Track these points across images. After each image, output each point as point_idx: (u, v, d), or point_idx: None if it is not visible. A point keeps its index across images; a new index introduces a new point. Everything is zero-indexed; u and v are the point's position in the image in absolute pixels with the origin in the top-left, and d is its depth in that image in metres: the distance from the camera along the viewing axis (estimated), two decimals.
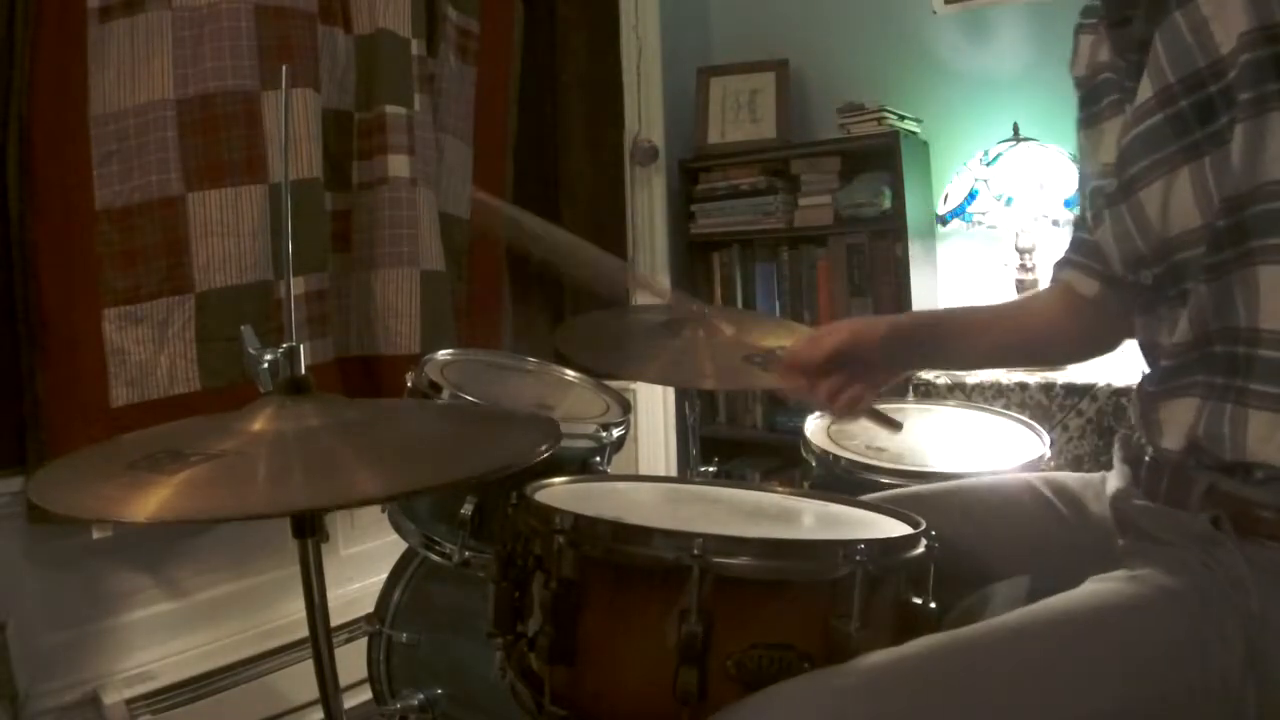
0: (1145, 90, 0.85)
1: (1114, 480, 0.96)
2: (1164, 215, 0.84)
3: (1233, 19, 0.77)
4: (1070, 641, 0.74)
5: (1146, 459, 0.88)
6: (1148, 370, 0.91)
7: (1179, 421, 0.83)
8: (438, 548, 1.29)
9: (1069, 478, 1.05)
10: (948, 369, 1.24)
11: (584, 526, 0.78)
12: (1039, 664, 0.73)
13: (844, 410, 1.03)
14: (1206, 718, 0.73)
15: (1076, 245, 1.06)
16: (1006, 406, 1.84)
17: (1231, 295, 0.78)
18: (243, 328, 1.06)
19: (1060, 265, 1.08)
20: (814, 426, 1.49)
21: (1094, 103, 0.98)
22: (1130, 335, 1.00)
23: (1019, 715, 0.71)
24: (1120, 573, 0.80)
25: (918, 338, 1.05)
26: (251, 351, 1.02)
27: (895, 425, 1.13)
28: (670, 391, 2.63)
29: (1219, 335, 0.80)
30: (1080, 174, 1.04)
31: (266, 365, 1.02)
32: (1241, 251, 0.77)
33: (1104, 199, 0.91)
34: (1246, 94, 0.76)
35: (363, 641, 1.51)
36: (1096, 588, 0.79)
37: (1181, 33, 0.81)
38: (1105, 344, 1.10)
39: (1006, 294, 2.28)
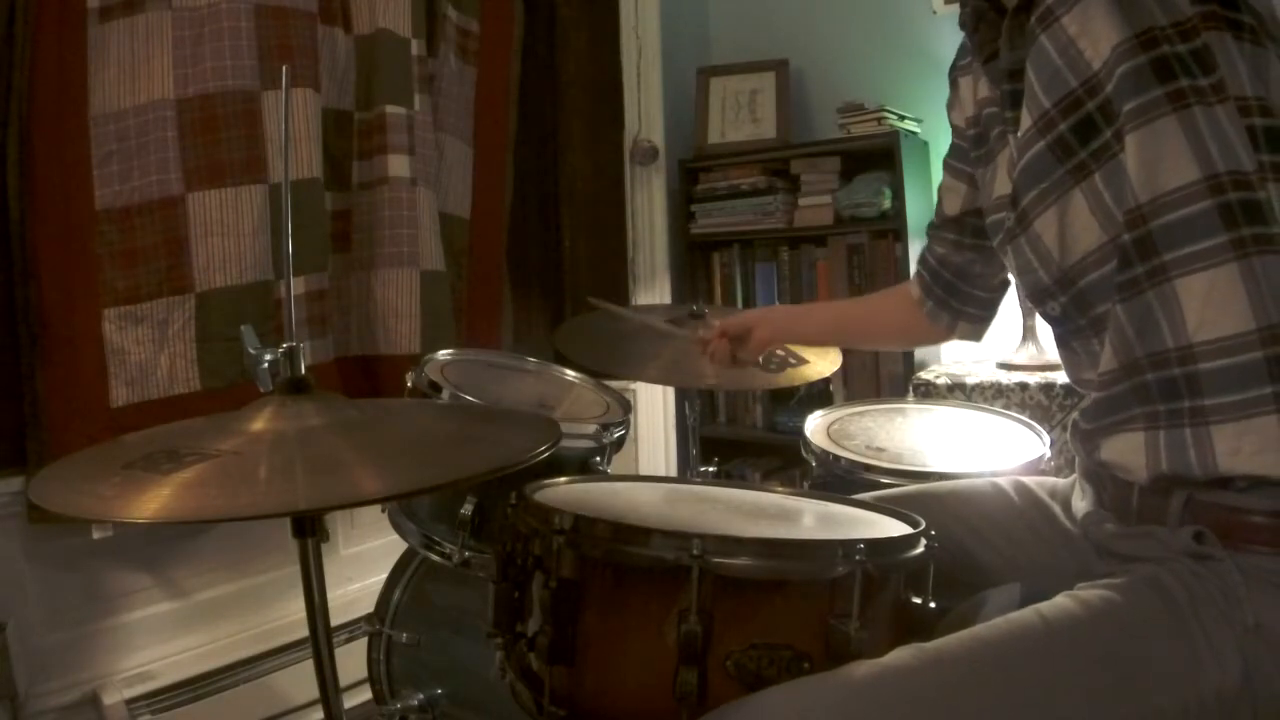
0: (1025, 121, 0.85)
1: (1079, 500, 0.94)
2: (1061, 241, 0.84)
3: (1101, 32, 0.77)
4: (1058, 656, 0.72)
5: (1108, 478, 0.86)
6: (1081, 405, 0.90)
7: (1132, 460, 0.81)
8: (438, 548, 1.29)
9: (1059, 480, 1.05)
10: (805, 343, 1.60)
11: (583, 527, 0.78)
12: (1028, 680, 0.71)
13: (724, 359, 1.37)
14: None
15: (921, 257, 1.21)
16: (1006, 406, 1.84)
17: (1152, 316, 0.77)
18: (243, 328, 1.06)
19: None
20: (814, 426, 1.49)
21: (985, 140, 0.99)
22: (940, 339, 1.24)
23: None
24: (1107, 580, 0.78)
25: (774, 317, 1.41)
26: (251, 351, 1.02)
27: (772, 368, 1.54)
28: (670, 391, 2.64)
29: (1149, 363, 0.78)
30: (939, 202, 1.15)
31: (266, 365, 1.02)
32: (1154, 267, 0.76)
33: (1005, 234, 0.91)
34: (1130, 104, 0.75)
35: (363, 641, 1.51)
36: (1086, 597, 0.76)
37: (1050, 56, 0.81)
38: (917, 338, 1.35)
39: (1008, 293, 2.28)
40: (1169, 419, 0.77)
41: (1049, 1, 0.81)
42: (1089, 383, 0.87)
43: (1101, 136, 0.78)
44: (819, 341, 1.58)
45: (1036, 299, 0.91)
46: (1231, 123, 0.73)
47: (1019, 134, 0.86)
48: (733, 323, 1.37)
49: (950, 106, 1.09)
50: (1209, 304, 0.74)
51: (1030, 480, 1.05)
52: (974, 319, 1.18)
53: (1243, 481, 0.74)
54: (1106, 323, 0.81)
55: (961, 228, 1.12)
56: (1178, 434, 0.77)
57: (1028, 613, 0.75)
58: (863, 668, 0.70)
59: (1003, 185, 0.93)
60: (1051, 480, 1.05)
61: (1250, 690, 0.71)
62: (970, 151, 1.04)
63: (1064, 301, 0.87)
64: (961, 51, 1.05)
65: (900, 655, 0.71)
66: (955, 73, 1.06)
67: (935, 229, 1.17)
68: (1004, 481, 1.05)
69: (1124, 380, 0.80)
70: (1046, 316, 0.93)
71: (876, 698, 0.69)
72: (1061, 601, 0.76)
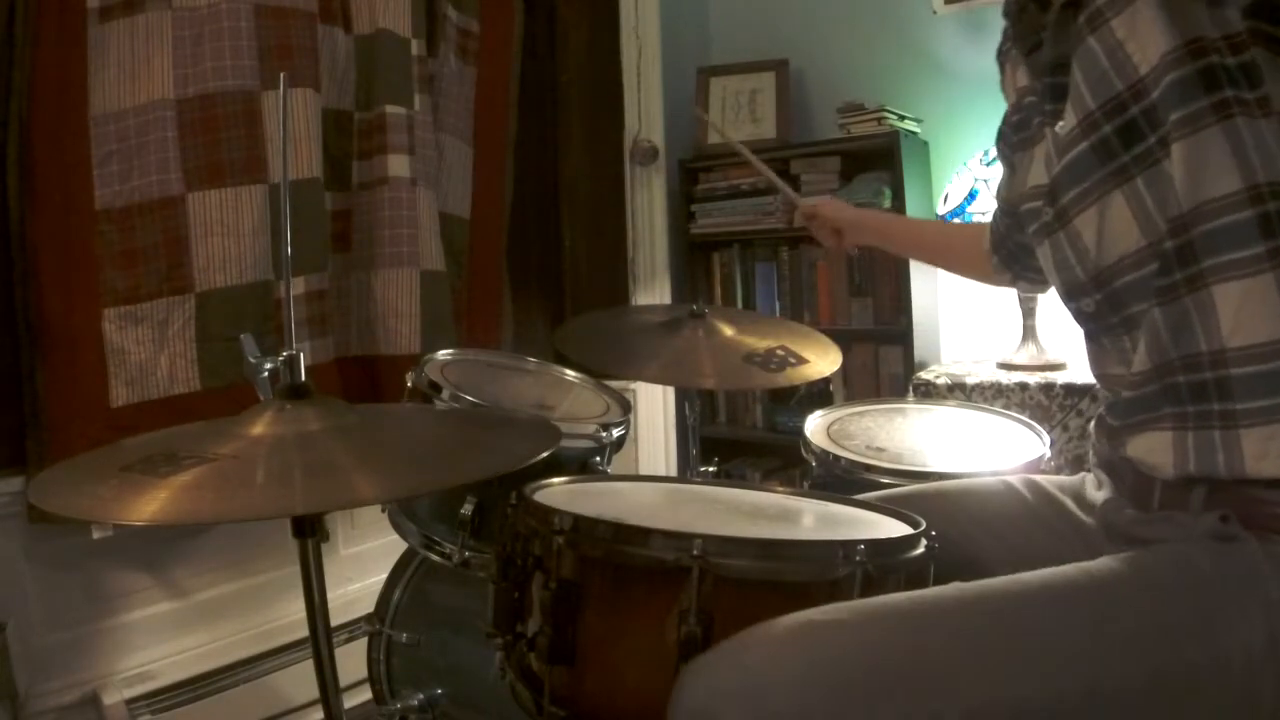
0: (1070, 119, 0.86)
1: (1095, 490, 0.95)
2: (1100, 241, 0.85)
3: (1150, 39, 0.77)
4: (1075, 607, 0.73)
5: (1129, 471, 0.86)
6: (1106, 402, 0.91)
7: (1159, 458, 0.81)
8: (438, 548, 1.29)
9: (1066, 478, 1.05)
10: (888, 249, 1.88)
11: (583, 527, 0.79)
12: (1036, 627, 0.72)
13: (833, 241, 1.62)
14: (1215, 696, 0.71)
15: (994, 216, 1.25)
16: (1006, 406, 1.84)
17: (1188, 320, 0.78)
18: (242, 336, 1.06)
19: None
20: (814, 426, 1.49)
21: (1026, 126, 1.00)
22: (1003, 285, 1.30)
23: (1008, 675, 0.69)
24: (1128, 551, 0.79)
25: (869, 224, 1.63)
26: (251, 360, 1.02)
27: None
28: (670, 391, 2.64)
29: (1181, 365, 0.79)
30: (1002, 180, 1.16)
31: (266, 374, 1.01)
32: (1192, 274, 0.77)
33: (1041, 227, 0.92)
34: (1177, 113, 0.75)
35: (363, 641, 1.51)
36: (1106, 560, 0.78)
37: (1097, 58, 0.81)
38: (983, 277, 1.35)
39: (1007, 294, 2.28)
40: (1198, 420, 0.78)
41: (1099, 3, 0.81)
42: (1114, 378, 0.88)
43: (1145, 141, 0.79)
44: (899, 250, 1.87)
45: (1070, 295, 0.92)
46: (1274, 136, 0.74)
47: (1062, 131, 0.87)
48: (828, 215, 1.60)
49: (1002, 87, 1.11)
50: (1244, 311, 0.75)
51: (1040, 477, 1.06)
52: (1035, 281, 1.23)
53: (1268, 482, 0.75)
54: (1138, 321, 0.82)
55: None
56: (1206, 435, 0.78)
57: (1056, 569, 0.76)
58: (866, 600, 0.72)
59: (1038, 175, 0.94)
60: (1058, 477, 1.06)
61: (1276, 655, 0.71)
62: (1011, 135, 1.05)
63: (1098, 299, 0.88)
64: (1005, 35, 1.07)
65: (942, 590, 0.73)
66: (1001, 56, 1.09)
67: (1000, 203, 1.19)
68: (1015, 479, 1.06)
69: (1155, 381, 0.81)
70: (1078, 313, 0.94)
71: (878, 621, 0.70)
72: (1088, 563, 0.77)
